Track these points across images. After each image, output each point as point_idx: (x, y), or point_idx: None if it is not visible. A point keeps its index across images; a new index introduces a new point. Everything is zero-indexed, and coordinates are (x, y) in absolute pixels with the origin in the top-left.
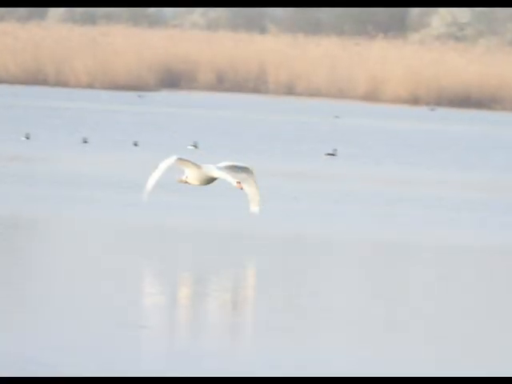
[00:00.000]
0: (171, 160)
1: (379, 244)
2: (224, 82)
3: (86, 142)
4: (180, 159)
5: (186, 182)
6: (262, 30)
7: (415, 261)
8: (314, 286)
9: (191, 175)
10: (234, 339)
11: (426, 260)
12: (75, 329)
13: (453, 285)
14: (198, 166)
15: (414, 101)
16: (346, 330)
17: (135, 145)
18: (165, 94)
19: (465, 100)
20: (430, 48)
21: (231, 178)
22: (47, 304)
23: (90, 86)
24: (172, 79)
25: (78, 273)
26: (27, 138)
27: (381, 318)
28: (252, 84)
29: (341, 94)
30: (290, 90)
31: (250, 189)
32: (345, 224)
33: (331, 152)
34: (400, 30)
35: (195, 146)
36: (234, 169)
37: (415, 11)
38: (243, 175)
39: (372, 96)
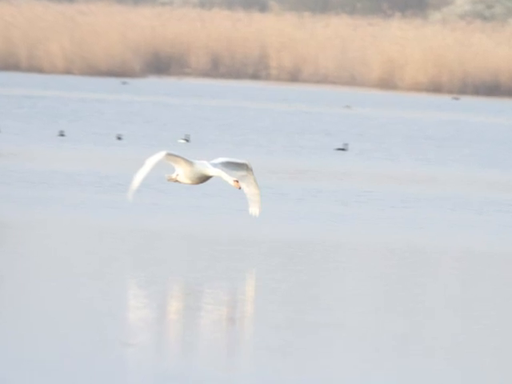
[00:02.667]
0: (159, 156)
1: (395, 250)
2: (219, 68)
3: (62, 135)
4: (169, 155)
5: (177, 181)
6: (263, 8)
7: (436, 269)
8: (322, 299)
9: (182, 173)
10: (230, 360)
11: (448, 268)
12: (51, 347)
13: (479, 296)
14: (189, 163)
15: (436, 88)
16: (357, 349)
17: (119, 138)
18: (152, 81)
19: (493, 88)
20: (454, 28)
21: (228, 176)
22: (18, 318)
23: (68, 71)
24: (160, 64)
25: (54, 283)
26: None
27: (398, 336)
28: (251, 69)
29: (352, 81)
30: (294, 77)
31: (249, 188)
32: (356, 228)
33: (341, 147)
34: (419, 8)
35: (187, 140)
36: (231, 166)
37: None
38: (241, 173)
39: (388, 83)
